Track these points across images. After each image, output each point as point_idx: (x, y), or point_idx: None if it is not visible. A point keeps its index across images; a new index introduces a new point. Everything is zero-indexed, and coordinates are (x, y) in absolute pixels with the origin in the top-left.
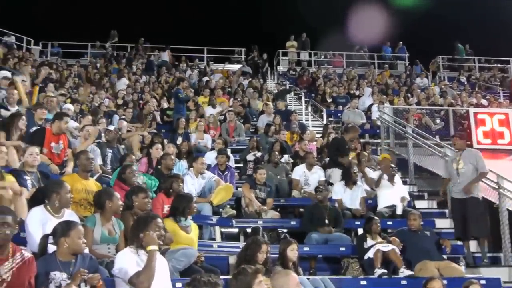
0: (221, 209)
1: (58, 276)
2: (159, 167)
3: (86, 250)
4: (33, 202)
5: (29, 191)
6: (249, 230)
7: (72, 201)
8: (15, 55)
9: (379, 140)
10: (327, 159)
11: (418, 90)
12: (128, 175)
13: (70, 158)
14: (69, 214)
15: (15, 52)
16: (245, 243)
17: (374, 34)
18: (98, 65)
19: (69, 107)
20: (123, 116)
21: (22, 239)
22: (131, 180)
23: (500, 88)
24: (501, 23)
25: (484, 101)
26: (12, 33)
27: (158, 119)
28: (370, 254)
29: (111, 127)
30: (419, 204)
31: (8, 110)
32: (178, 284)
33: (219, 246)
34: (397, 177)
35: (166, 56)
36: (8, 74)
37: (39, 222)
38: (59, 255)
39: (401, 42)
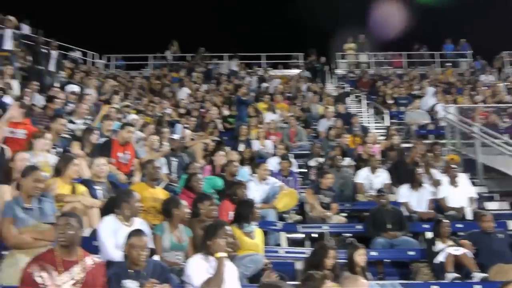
0: (286, 215)
1: (130, 285)
2: (223, 174)
3: (157, 258)
4: (104, 211)
5: (100, 200)
6: (314, 235)
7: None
8: (81, 70)
9: (444, 141)
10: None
11: (484, 87)
12: (195, 183)
13: (137, 167)
14: (139, 223)
15: (81, 66)
16: (311, 248)
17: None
18: (159, 75)
19: (134, 117)
20: (186, 125)
21: (95, 247)
22: (197, 188)
23: None
24: None
25: None
26: (78, 48)
27: (220, 126)
28: (441, 258)
29: (175, 136)
30: (490, 205)
31: (74, 123)
32: None
33: (285, 252)
34: (463, 178)
35: (234, 65)
36: (75, 88)
37: (111, 231)
38: (131, 264)
39: (464, 39)
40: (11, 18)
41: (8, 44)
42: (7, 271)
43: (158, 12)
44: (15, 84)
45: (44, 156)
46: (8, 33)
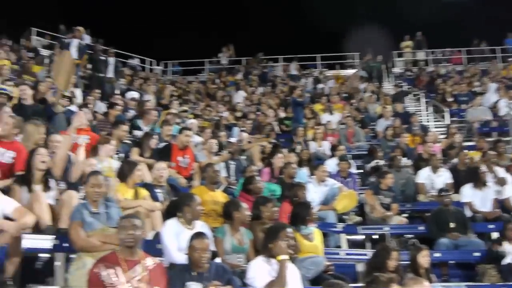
0: (345, 216)
1: (193, 287)
2: (281, 176)
3: (219, 260)
4: (167, 214)
5: (161, 203)
6: (375, 236)
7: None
8: (139, 76)
9: (508, 138)
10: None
11: None
12: (253, 185)
13: (196, 171)
14: (200, 226)
15: (139, 73)
16: (372, 250)
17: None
18: (215, 80)
19: (193, 122)
20: (243, 128)
21: (158, 250)
22: (256, 190)
23: None
24: None
25: None
26: (136, 56)
27: (276, 129)
28: (509, 259)
29: (233, 139)
30: None
31: (141, 130)
32: None
33: (346, 254)
34: None
35: (293, 68)
36: (135, 94)
37: (174, 234)
38: (194, 265)
39: None
40: (80, 28)
41: (74, 53)
42: (75, 274)
43: (212, 17)
44: (78, 93)
45: (108, 161)
46: (75, 42)
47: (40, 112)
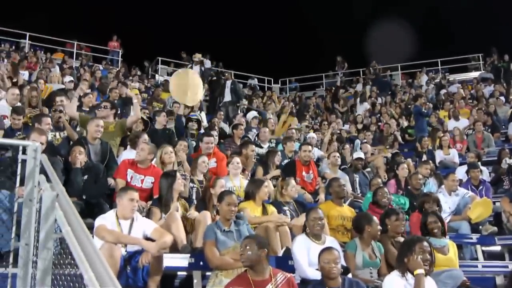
0: (480, 227)
1: None
2: (408, 187)
3: (350, 275)
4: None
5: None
6: None
7: (329, 227)
8: (259, 95)
9: None
10: None
11: None
12: (380, 197)
13: (321, 186)
14: (330, 241)
15: (258, 92)
16: None
17: None
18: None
19: (313, 135)
20: (365, 140)
21: (290, 266)
22: (383, 203)
23: None
24: None
25: None
26: (255, 76)
27: (399, 138)
28: None
29: (361, 155)
30: None
31: (262, 147)
32: None
33: (483, 266)
34: None
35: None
36: (256, 114)
37: (305, 249)
38: (325, 280)
39: None
40: (198, 55)
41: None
42: None
43: (322, 33)
44: (203, 116)
45: (239, 180)
46: (196, 69)
47: (170, 136)
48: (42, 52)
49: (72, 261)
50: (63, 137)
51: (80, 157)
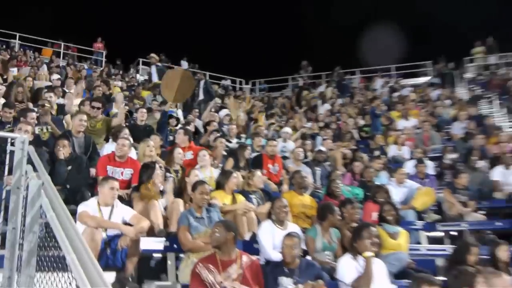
0: (424, 215)
1: (285, 281)
2: (362, 179)
3: (309, 257)
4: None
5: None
6: (453, 233)
7: (292, 215)
8: (231, 95)
9: None
10: None
11: None
12: (333, 188)
13: (285, 177)
14: (292, 227)
15: (231, 92)
16: (451, 246)
17: None
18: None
19: (287, 130)
20: (326, 137)
21: (256, 249)
22: (335, 193)
23: None
24: None
25: None
26: (228, 77)
27: (356, 136)
28: None
29: (322, 148)
30: None
31: (230, 142)
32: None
33: (427, 250)
34: None
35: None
36: (228, 111)
37: (269, 234)
38: (285, 262)
39: None
40: (153, 55)
41: (155, 78)
42: (184, 271)
43: (292, 38)
44: (180, 113)
45: (210, 171)
46: (154, 68)
47: (150, 131)
48: (32, 51)
49: (56, 244)
50: (50, 132)
51: (63, 150)
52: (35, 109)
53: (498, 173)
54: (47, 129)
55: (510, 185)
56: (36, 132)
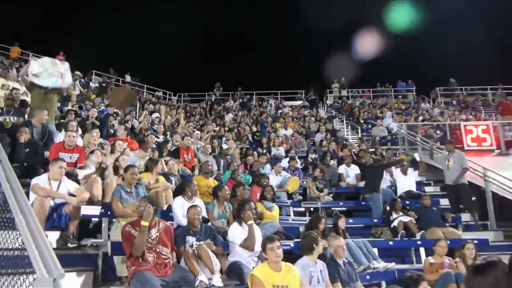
0: (293, 196)
1: (191, 239)
2: (252, 169)
3: (209, 224)
4: (176, 193)
5: (173, 186)
6: (312, 209)
7: (199, 192)
8: (162, 103)
9: (398, 147)
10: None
11: (424, 111)
12: (236, 175)
13: (196, 165)
14: (198, 201)
15: (161, 101)
16: (309, 217)
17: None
18: (211, 106)
19: (198, 133)
20: (229, 137)
21: (171, 216)
22: (238, 179)
23: (482, 107)
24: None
25: (470, 117)
26: (160, 90)
27: (250, 138)
28: (395, 223)
29: (226, 146)
30: (428, 189)
31: (158, 138)
32: None
33: (292, 220)
34: (410, 171)
35: (272, 101)
36: (158, 114)
37: (180, 206)
38: (191, 226)
39: (410, 80)
40: (77, 72)
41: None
42: (115, 232)
43: (210, 65)
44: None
45: (137, 160)
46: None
47: (95, 125)
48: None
49: (9, 208)
50: (13, 122)
51: (24, 136)
52: None
53: (342, 169)
54: (10, 119)
55: (350, 177)
56: (0, 120)
